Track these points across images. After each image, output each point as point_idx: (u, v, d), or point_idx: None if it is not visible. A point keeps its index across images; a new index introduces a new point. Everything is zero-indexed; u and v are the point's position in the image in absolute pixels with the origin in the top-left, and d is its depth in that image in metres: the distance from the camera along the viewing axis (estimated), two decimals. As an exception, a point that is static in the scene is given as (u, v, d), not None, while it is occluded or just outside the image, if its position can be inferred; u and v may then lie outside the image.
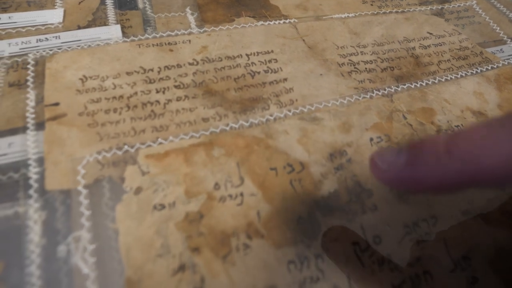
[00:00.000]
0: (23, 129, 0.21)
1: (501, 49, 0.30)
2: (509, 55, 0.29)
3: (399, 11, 0.31)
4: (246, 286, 0.17)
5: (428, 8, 0.32)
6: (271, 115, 0.22)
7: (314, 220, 0.19)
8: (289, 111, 0.23)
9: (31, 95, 0.22)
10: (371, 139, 0.22)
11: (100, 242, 0.17)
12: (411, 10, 0.31)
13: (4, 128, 0.21)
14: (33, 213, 0.18)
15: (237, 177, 0.20)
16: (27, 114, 0.21)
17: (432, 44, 0.29)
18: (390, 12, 0.31)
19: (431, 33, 0.30)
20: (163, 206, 0.19)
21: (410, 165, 0.14)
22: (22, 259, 0.17)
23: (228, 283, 0.17)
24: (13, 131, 0.21)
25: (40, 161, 0.20)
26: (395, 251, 0.19)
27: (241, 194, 0.19)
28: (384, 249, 0.19)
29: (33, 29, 0.25)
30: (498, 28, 0.31)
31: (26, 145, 0.20)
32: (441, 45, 0.29)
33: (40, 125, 0.21)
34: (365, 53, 0.27)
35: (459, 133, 0.14)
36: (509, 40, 0.31)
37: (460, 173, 0.13)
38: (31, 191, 0.18)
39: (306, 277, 0.17)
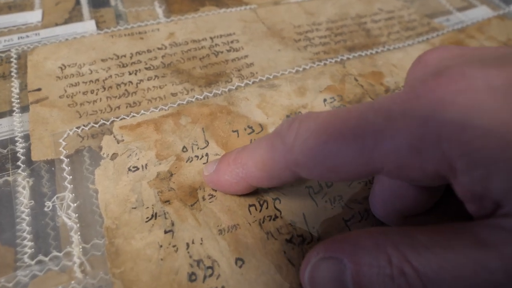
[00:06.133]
0: (10, 112, 0.23)
1: (447, 19, 0.32)
2: (454, 23, 0.32)
3: (352, -8, 0.34)
4: (211, 226, 0.19)
5: (380, -12, 0.35)
6: (233, 86, 0.25)
7: (272, 170, 0.21)
8: (249, 81, 0.25)
9: (15, 83, 0.24)
10: (325, 100, 0.25)
11: (81, 200, 0.20)
12: (363, -10, 0.34)
13: (-8, 113, 0.23)
14: (21, 180, 0.20)
15: (203, 140, 0.22)
16: (13, 100, 0.24)
17: (383, 19, 0.32)
18: (344, -7, 0.34)
19: (381, 9, 0.32)
20: (136, 168, 0.21)
21: (216, 171, 0.19)
22: (13, 219, 0.19)
23: (195, 224, 0.19)
24: (0, 115, 0.23)
25: (26, 138, 0.22)
26: (345, 192, 0.21)
27: (206, 155, 0.22)
28: (335, 191, 0.21)
29: (15, 28, 0.28)
30: (445, 0, 0.34)
31: (13, 125, 0.22)
32: (391, 19, 0.32)
33: (24, 108, 0.23)
34: (319, 30, 0.30)
35: (246, 146, 0.18)
36: (455, 10, 0.33)
37: (240, 175, 0.18)
38: (19, 163, 0.21)
39: (265, 216, 0.19)
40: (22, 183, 0.20)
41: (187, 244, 0.18)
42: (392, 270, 0.13)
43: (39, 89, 0.24)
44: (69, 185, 0.20)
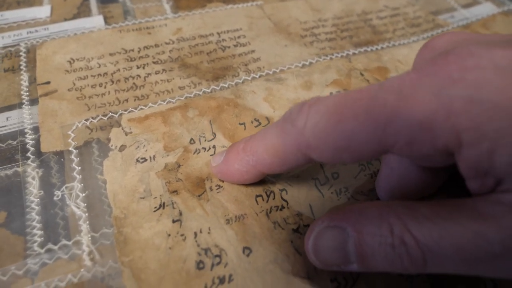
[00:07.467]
0: (19, 105, 0.23)
1: (452, 16, 0.32)
2: (459, 20, 0.32)
3: (358, -11, 0.34)
4: (219, 216, 0.19)
5: (385, -15, 0.35)
6: (240, 80, 0.25)
7: (279, 162, 0.21)
8: (256, 75, 0.25)
9: (25, 77, 0.25)
10: (331, 94, 0.25)
11: (90, 191, 0.20)
12: (369, -13, 0.34)
13: (2, 105, 0.23)
14: (31, 171, 0.20)
15: (210, 132, 0.22)
16: (22, 93, 0.24)
17: (388, 15, 0.32)
18: (349, -10, 0.34)
19: (386, 6, 0.32)
20: (144, 159, 0.21)
21: (224, 161, 0.19)
22: (23, 208, 0.19)
23: (203, 214, 0.19)
24: (10, 107, 0.23)
25: (36, 130, 0.22)
26: (351, 184, 0.21)
27: (214, 147, 0.22)
28: (342, 183, 0.21)
29: (24, 23, 0.28)
30: (450, -3, 0.34)
31: (22, 117, 0.23)
32: (396, 15, 0.32)
33: (34, 101, 0.24)
34: (326, 26, 0.30)
35: (254, 134, 0.18)
36: (459, 6, 0.33)
37: (250, 163, 0.17)
38: (28, 154, 0.21)
39: (272, 206, 0.20)
40: (32, 173, 0.20)
41: (195, 233, 0.18)
42: (393, 240, 0.13)
43: (48, 82, 0.24)
44: (78, 176, 0.20)
